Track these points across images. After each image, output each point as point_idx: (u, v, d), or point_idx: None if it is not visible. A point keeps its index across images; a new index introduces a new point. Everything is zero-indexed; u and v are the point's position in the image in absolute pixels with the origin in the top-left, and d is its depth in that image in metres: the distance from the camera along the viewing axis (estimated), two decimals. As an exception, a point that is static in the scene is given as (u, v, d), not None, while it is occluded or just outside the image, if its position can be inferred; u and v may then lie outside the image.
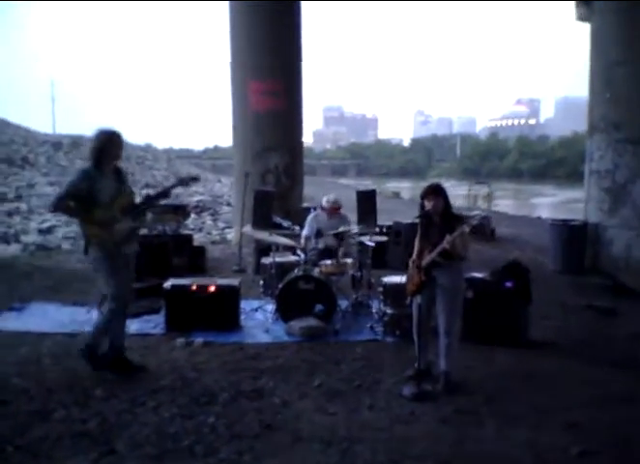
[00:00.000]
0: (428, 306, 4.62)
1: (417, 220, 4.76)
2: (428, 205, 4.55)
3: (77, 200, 4.40)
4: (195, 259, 8.77)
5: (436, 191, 4.59)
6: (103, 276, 4.56)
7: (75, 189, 4.38)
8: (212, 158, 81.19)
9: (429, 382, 4.53)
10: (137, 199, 4.86)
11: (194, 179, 5.20)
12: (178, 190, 5.15)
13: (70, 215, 4.83)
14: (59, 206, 4.47)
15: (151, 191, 18.98)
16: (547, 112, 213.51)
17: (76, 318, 6.16)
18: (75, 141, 27.10)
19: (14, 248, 11.02)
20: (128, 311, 4.85)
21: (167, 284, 5.98)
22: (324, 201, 7.13)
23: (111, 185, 4.51)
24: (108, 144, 4.52)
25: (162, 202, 5.35)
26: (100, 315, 4.73)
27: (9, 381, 4.47)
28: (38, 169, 21.27)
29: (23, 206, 15.10)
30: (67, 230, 13.00)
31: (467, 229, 4.38)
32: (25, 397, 4.18)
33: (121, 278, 4.55)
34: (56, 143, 26.54)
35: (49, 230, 12.97)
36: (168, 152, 68.01)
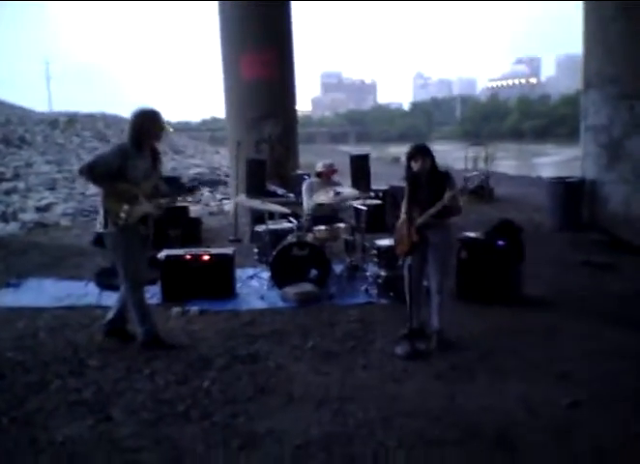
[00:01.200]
0: (420, 266, 4.64)
1: (404, 183, 4.73)
2: (415, 166, 4.52)
3: (106, 174, 4.32)
4: (191, 230, 8.78)
5: (422, 152, 4.54)
6: (116, 254, 4.53)
7: (105, 162, 4.33)
8: (210, 129, 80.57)
9: (422, 341, 4.57)
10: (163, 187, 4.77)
11: (220, 181, 5.48)
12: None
13: (95, 183, 4.64)
14: (87, 172, 4.32)
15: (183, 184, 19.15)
16: (548, 71, 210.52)
17: (73, 292, 6.20)
18: (71, 119, 26.94)
19: (12, 227, 11.04)
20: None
21: (162, 255, 6.00)
22: (318, 166, 7.09)
23: (144, 165, 4.45)
24: (148, 123, 4.44)
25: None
26: (129, 302, 4.66)
27: (4, 355, 4.52)
28: (35, 148, 21.17)
29: (21, 185, 15.07)
30: (65, 207, 13.02)
31: (468, 187, 4.38)
32: (21, 370, 4.23)
33: (137, 257, 4.52)
34: (52, 121, 26.35)
35: (47, 208, 12.97)
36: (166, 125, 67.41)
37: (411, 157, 4.55)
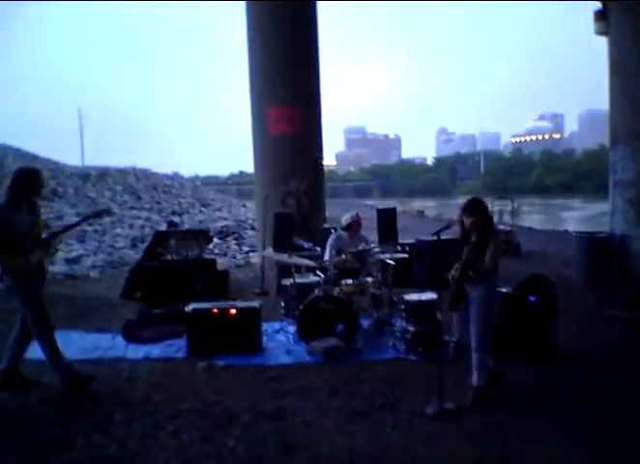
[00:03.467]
0: (463, 321, 4.58)
1: (435, 237, 4.68)
2: (466, 221, 4.51)
3: None
4: (218, 283, 8.81)
5: (473, 207, 4.53)
6: (21, 303, 4.80)
7: None
8: (237, 183, 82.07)
9: (453, 399, 4.43)
10: (49, 231, 5.20)
11: (106, 211, 5.71)
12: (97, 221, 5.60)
13: None
14: None
15: (185, 219, 19.31)
16: (571, 126, 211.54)
17: (100, 345, 6.22)
18: (102, 173, 27.67)
19: (42, 278, 11.19)
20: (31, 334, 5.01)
21: (189, 308, 6.01)
22: (343, 220, 7.13)
23: (25, 218, 4.78)
24: (28, 182, 4.81)
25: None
26: (40, 347, 4.89)
27: (29, 408, 4.51)
28: (66, 201, 21.70)
29: (52, 237, 15.38)
30: (94, 259, 13.21)
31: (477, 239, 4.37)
32: (45, 425, 4.20)
33: (41, 303, 4.86)
34: (84, 175, 27.07)
35: (76, 260, 13.17)
36: (194, 179, 68.94)
37: (463, 211, 4.54)
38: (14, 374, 4.94)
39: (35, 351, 5.96)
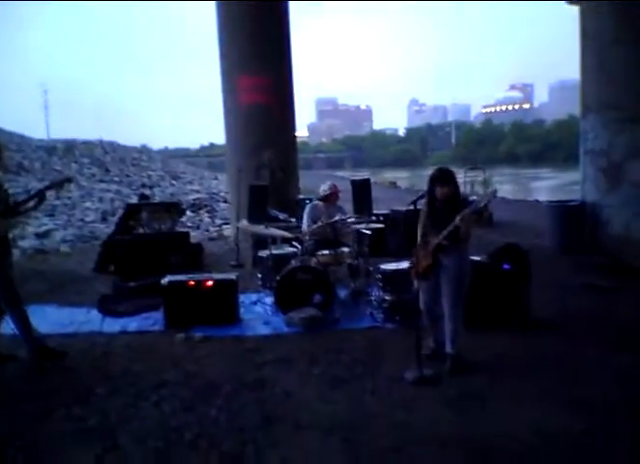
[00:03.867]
0: (434, 290, 4.62)
1: (411, 207, 4.72)
2: (440, 191, 4.49)
3: None
4: (193, 256, 8.76)
5: (446, 178, 4.54)
6: None
7: None
8: (208, 155, 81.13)
9: (431, 366, 4.51)
10: (11, 201, 4.99)
11: (68, 180, 5.49)
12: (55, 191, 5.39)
13: None
14: None
15: (156, 191, 19.02)
16: (541, 97, 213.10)
17: (75, 319, 6.14)
18: (69, 146, 27.05)
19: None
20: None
21: (165, 281, 5.97)
22: (321, 190, 7.10)
23: None
24: None
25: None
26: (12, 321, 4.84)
27: (8, 383, 4.47)
28: (33, 175, 21.20)
29: (20, 211, 15.04)
30: (64, 233, 12.98)
31: (481, 205, 4.40)
32: (25, 398, 4.16)
33: (5, 277, 4.78)
34: (50, 148, 26.44)
35: (46, 234, 12.93)
36: (164, 152, 67.95)
37: (435, 181, 4.53)
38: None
39: (10, 326, 5.90)
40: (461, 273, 4.58)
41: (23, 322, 4.78)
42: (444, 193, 4.49)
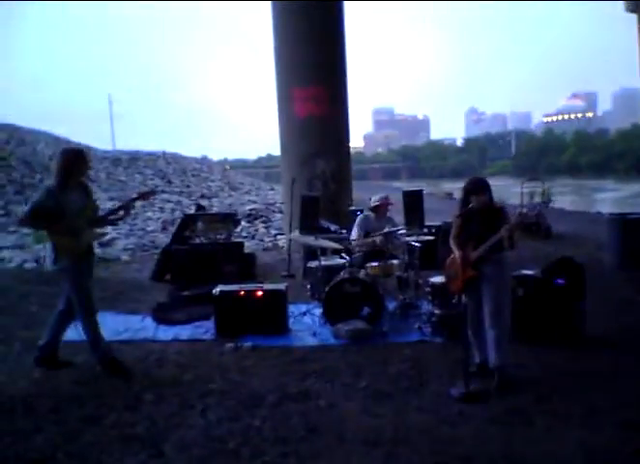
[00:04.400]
0: (477, 302, 4.55)
1: (456, 218, 4.66)
2: (475, 201, 4.45)
3: (44, 215, 4.66)
4: (246, 266, 8.90)
5: (482, 186, 4.50)
6: (70, 285, 4.80)
7: (40, 206, 4.66)
8: (265, 166, 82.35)
9: (479, 382, 4.42)
10: (101, 212, 5.22)
11: (153, 192, 5.76)
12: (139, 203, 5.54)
13: (37, 228, 5.29)
14: (24, 221, 4.84)
15: (215, 202, 19.45)
16: (604, 105, 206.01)
17: (130, 326, 6.34)
18: (133, 157, 28.04)
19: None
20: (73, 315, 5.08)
21: (216, 290, 6.09)
22: (372, 201, 7.12)
23: (76, 199, 4.79)
24: (74, 162, 4.82)
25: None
26: (84, 329, 4.93)
27: (62, 388, 4.63)
28: (98, 185, 22.07)
29: (84, 221, 15.65)
30: (126, 242, 13.43)
31: (528, 215, 4.31)
32: (77, 403, 4.31)
33: (88, 286, 4.86)
34: (115, 159, 27.48)
35: (109, 243, 13.41)
36: (223, 163, 69.38)
37: (470, 192, 4.49)
38: (51, 355, 5.05)
39: (70, 332, 6.15)
40: (503, 282, 4.51)
41: (94, 330, 4.90)
42: (481, 202, 4.43)
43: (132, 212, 5.29)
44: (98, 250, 12.49)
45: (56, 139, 30.56)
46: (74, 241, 4.74)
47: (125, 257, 11.89)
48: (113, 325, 6.44)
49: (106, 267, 10.67)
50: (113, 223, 5.40)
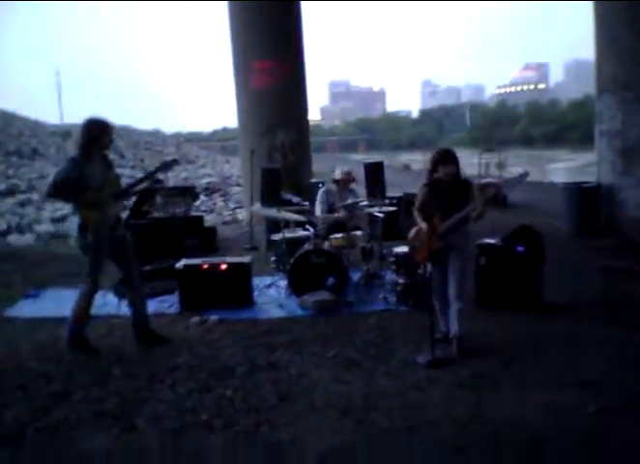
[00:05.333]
0: (443, 272, 4.62)
1: (423, 189, 4.68)
2: (444, 170, 4.47)
3: (69, 187, 4.56)
4: (207, 239, 8.82)
5: (450, 157, 4.52)
6: (90, 258, 4.74)
7: (65, 177, 4.56)
8: (221, 139, 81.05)
9: (444, 348, 4.53)
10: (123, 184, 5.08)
11: (175, 161, 5.49)
12: (174, 172, 5.41)
13: (64, 200, 5.11)
14: (53, 193, 4.69)
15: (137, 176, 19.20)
16: (557, 76, 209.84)
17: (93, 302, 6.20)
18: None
19: (27, 238, 11.13)
20: (142, 287, 5.14)
21: (179, 264, 6.02)
22: (337, 174, 7.12)
23: (99, 171, 4.68)
24: (98, 133, 4.69)
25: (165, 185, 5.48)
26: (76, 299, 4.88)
27: (27, 365, 4.54)
28: (48, 160, 21.37)
29: (35, 196, 15.20)
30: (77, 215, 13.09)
31: (493, 191, 4.38)
32: (44, 380, 4.23)
33: (103, 262, 4.81)
34: (65, 133, 26.63)
35: (63, 219, 13.06)
36: (177, 136, 68.02)
37: (438, 162, 4.50)
38: (145, 328, 5.00)
39: (28, 309, 6.00)
40: (468, 252, 4.63)
41: (81, 305, 4.83)
42: (448, 173, 4.45)
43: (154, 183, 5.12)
44: (52, 227, 12.20)
45: (3, 114, 29.37)
46: (100, 213, 4.62)
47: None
48: (74, 301, 6.30)
49: (62, 243, 10.41)
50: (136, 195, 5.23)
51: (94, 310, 5.88)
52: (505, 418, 3.51)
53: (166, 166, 5.23)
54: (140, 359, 4.64)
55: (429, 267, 4.59)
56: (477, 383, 4.01)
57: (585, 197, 9.32)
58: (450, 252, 4.54)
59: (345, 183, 6.95)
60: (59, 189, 4.60)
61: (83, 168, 4.56)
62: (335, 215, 6.69)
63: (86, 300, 4.81)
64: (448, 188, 4.48)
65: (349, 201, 6.58)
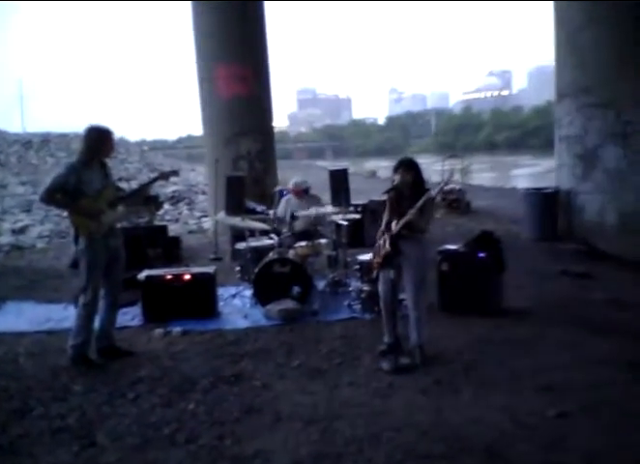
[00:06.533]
0: (396, 280, 4.63)
1: (385, 196, 4.76)
2: (397, 179, 4.55)
3: (65, 193, 4.51)
4: (170, 249, 8.72)
5: (405, 165, 4.58)
6: (83, 267, 4.64)
7: (63, 183, 4.50)
8: (186, 147, 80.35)
9: (406, 355, 4.57)
10: (121, 192, 5.02)
11: (174, 172, 5.43)
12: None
13: (58, 206, 5.11)
14: (47, 198, 4.58)
15: (134, 185, 18.94)
16: (520, 83, 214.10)
17: (52, 316, 6.09)
18: (45, 139, 26.69)
19: (-13, 250, 10.83)
20: (117, 303, 5.05)
21: (142, 275, 5.94)
22: (290, 183, 7.18)
23: (97, 178, 4.64)
24: (100, 141, 4.66)
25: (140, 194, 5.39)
26: (77, 311, 4.77)
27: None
28: (9, 169, 20.91)
29: (-6, 207, 14.85)
30: (41, 229, 12.82)
31: (433, 195, 4.42)
32: (4, 396, 4.14)
33: (98, 273, 4.68)
34: (26, 142, 26.10)
35: (23, 230, 12.77)
36: (141, 144, 67.20)
37: (395, 170, 4.59)
38: (109, 344, 4.91)
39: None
40: (422, 261, 4.61)
41: (82, 321, 4.72)
42: (403, 181, 4.52)
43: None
44: (11, 238, 11.90)
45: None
46: (94, 221, 4.55)
47: (41, 245, 11.37)
48: (34, 315, 6.19)
49: (21, 255, 10.18)
50: (132, 205, 5.19)
51: (53, 324, 5.81)
52: (465, 422, 3.56)
53: (164, 177, 5.22)
54: (102, 373, 4.56)
55: (384, 273, 4.62)
56: (438, 389, 4.06)
57: (545, 202, 9.50)
58: (404, 261, 4.57)
59: (298, 193, 7.00)
60: (53, 196, 4.53)
61: (81, 175, 4.51)
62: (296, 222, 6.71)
63: (86, 314, 4.68)
64: (409, 195, 4.53)
65: (312, 209, 6.56)
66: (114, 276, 4.85)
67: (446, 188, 4.63)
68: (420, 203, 4.34)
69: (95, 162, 4.65)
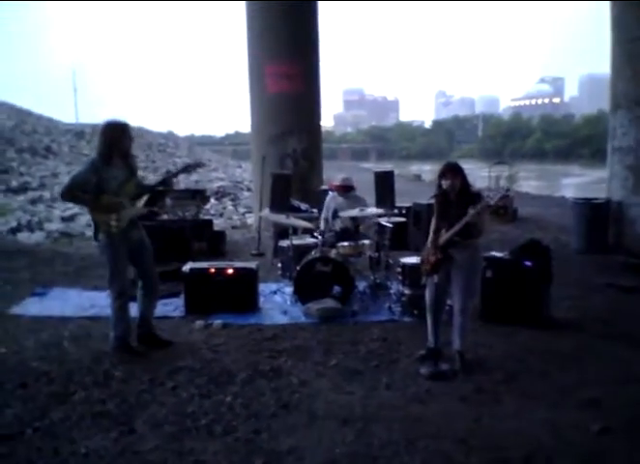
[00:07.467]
0: (444, 286, 4.59)
1: (433, 201, 4.70)
2: (445, 184, 4.48)
3: (85, 189, 4.55)
4: (215, 243, 8.83)
5: (453, 170, 4.51)
6: (107, 262, 4.72)
7: (82, 180, 4.56)
8: (233, 143, 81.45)
9: (446, 361, 4.50)
10: (145, 185, 5.06)
11: (199, 164, 5.52)
12: (191, 176, 5.38)
13: (78, 203, 5.17)
14: (66, 196, 4.67)
15: (159, 177, 19.34)
16: (571, 91, 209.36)
17: (97, 302, 6.23)
18: (97, 130, 27.37)
19: (37, 236, 11.20)
20: (156, 292, 5.10)
21: (186, 268, 6.03)
22: (337, 179, 7.16)
23: (119, 173, 4.65)
24: (118, 137, 4.65)
25: (176, 187, 5.42)
26: (110, 304, 4.85)
27: (29, 364, 4.54)
28: (61, 158, 21.52)
29: (47, 195, 15.31)
30: (89, 217, 13.16)
31: (491, 202, 4.34)
32: (45, 380, 4.24)
33: (124, 266, 4.76)
34: (78, 132, 26.82)
35: (72, 218, 13.14)
36: (189, 139, 68.44)
37: (442, 175, 4.52)
38: (151, 334, 5.00)
39: (33, 307, 6.03)
40: (472, 267, 4.55)
41: (117, 312, 4.80)
42: (449, 185, 4.45)
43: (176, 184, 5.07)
44: (61, 225, 12.27)
45: (18, 111, 29.64)
46: (114, 217, 4.58)
47: (89, 233, 11.66)
48: (79, 301, 6.36)
49: (69, 242, 10.47)
50: (157, 198, 5.18)
51: (97, 311, 5.95)
52: (505, 433, 3.48)
53: (189, 168, 5.22)
54: (142, 361, 4.64)
55: (432, 278, 4.57)
56: (478, 397, 3.98)
57: (594, 213, 9.24)
58: (453, 267, 4.51)
59: (344, 190, 6.96)
60: (72, 193, 4.59)
61: (101, 173, 4.53)
62: (339, 220, 6.69)
63: (118, 306, 4.76)
64: (455, 200, 4.47)
65: (356, 210, 6.53)
66: (145, 266, 4.92)
67: (497, 197, 4.49)
68: (478, 208, 4.27)
69: (115, 157, 4.62)
